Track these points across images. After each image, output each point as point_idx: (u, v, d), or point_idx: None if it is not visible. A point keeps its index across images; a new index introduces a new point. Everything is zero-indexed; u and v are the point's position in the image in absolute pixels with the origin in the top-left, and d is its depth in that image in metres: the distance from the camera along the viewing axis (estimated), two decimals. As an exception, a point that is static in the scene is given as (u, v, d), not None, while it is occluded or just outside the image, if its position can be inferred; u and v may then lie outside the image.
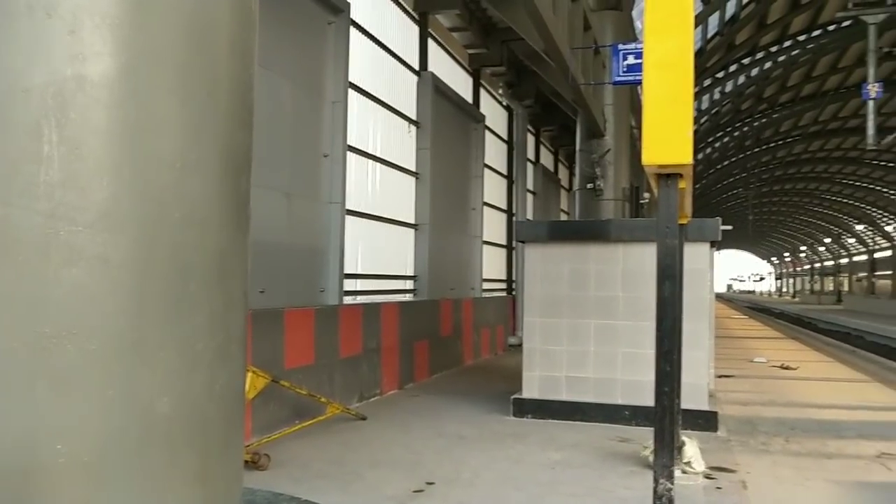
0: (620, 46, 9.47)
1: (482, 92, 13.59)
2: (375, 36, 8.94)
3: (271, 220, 6.53)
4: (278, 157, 6.66)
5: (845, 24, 24.13)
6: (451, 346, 10.22)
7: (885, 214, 72.14)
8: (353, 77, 8.09)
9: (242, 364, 1.90)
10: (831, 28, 27.94)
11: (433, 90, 10.40)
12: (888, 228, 75.76)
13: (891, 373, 11.25)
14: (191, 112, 1.65)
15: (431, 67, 10.68)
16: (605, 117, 11.58)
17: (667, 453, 3.17)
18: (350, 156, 8.00)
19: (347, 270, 7.93)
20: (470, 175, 12.47)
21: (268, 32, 6.27)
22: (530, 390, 6.77)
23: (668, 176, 3.39)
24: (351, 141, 8.00)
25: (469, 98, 12.82)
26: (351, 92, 8.00)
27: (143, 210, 1.56)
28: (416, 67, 10.33)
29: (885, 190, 64.14)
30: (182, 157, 1.63)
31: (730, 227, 8.07)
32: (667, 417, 3.23)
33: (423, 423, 6.51)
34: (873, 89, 15.99)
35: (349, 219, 8.02)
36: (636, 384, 6.31)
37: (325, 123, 7.47)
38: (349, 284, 8.08)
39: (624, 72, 9.32)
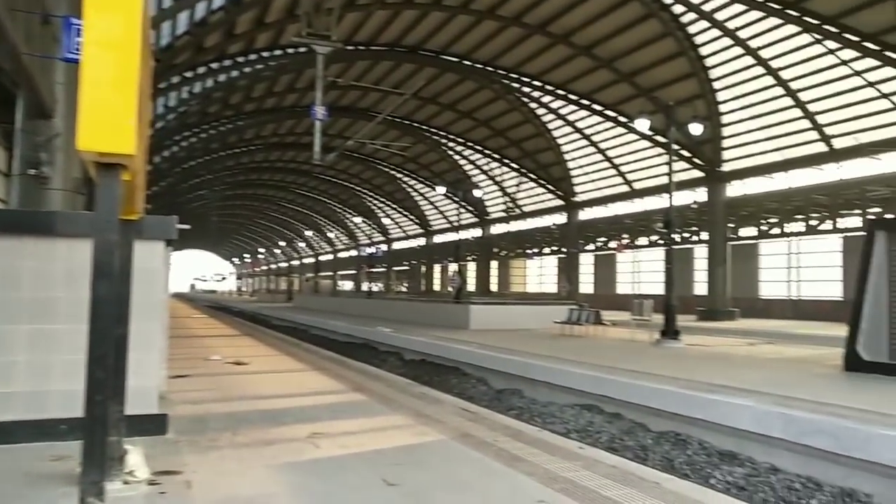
0: (73, 21, 8.53)
1: None
2: None
3: None
4: None
5: (302, 49, 26.89)
6: None
7: (329, 223, 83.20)
8: None
9: None
10: (291, 51, 30.84)
11: None
12: (330, 235, 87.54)
13: (325, 361, 12.84)
14: None
15: None
16: (56, 97, 10.32)
17: (96, 468, 2.89)
18: None
19: None
20: None
21: None
22: (-66, 415, 5.49)
23: (109, 165, 3.10)
24: None
25: None
26: None
27: None
28: None
29: (328, 201, 73.92)
30: None
31: (188, 227, 8.04)
32: (98, 429, 2.94)
33: None
34: (320, 111, 18.18)
35: None
36: (77, 394, 5.69)
37: None
38: None
39: (77, 49, 8.41)
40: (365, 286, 67.53)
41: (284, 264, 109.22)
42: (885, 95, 23.93)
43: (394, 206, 68.24)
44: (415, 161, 54.11)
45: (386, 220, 72.54)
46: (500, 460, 5.40)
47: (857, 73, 24.69)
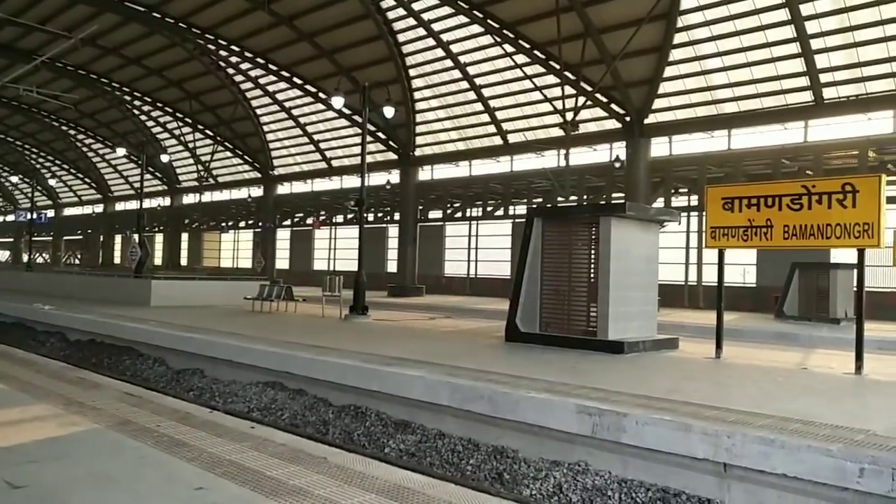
0: None
1: None
2: None
3: None
4: None
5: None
6: None
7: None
8: None
9: None
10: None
11: None
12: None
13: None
14: None
15: None
16: None
17: None
18: None
19: None
20: None
21: None
22: None
23: None
24: None
25: None
26: None
27: None
28: None
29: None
30: None
31: None
32: None
33: None
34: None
35: None
36: None
37: None
38: None
39: None
40: (26, 257, 58.59)
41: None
42: (548, 99, 27.27)
43: (65, 166, 60.10)
44: (92, 117, 48.18)
45: (54, 182, 63.55)
46: (160, 447, 4.93)
47: (528, 77, 27.77)
